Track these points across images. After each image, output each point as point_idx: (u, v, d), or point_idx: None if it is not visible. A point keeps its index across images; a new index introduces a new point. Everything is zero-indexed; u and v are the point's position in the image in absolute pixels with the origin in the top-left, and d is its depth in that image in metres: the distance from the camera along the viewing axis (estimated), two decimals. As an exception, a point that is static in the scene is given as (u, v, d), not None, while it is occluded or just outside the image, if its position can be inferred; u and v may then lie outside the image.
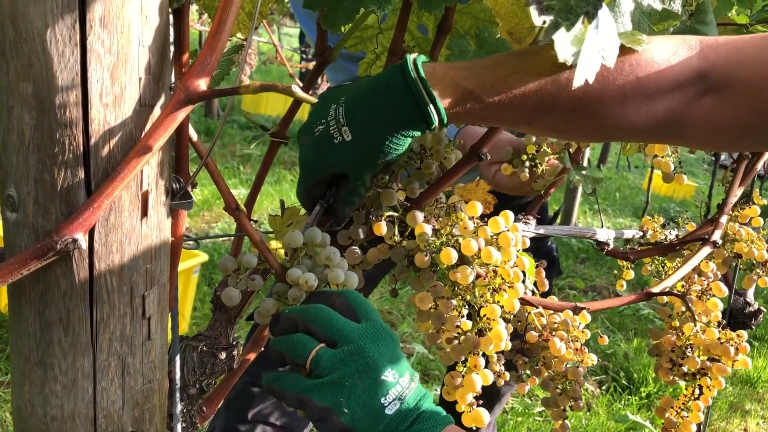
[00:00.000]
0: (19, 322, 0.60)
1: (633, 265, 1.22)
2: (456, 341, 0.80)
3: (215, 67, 0.57)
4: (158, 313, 0.65)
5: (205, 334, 0.80)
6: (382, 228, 0.80)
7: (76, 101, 0.53)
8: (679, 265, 1.11)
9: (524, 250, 0.84)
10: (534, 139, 1.15)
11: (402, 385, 0.65)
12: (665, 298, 1.08)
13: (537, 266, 1.01)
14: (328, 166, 0.74)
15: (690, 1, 0.88)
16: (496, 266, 0.78)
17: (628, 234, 1.27)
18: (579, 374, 0.96)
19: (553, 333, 0.95)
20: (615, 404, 2.88)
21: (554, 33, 0.49)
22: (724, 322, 1.03)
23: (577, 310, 0.96)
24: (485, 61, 0.72)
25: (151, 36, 0.56)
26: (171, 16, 0.60)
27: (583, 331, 0.96)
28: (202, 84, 0.56)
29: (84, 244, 0.55)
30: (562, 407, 0.99)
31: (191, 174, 0.69)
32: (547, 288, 1.03)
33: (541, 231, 1.14)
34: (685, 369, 1.03)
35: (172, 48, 0.62)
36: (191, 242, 0.78)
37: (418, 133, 0.71)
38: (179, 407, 0.75)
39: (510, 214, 0.81)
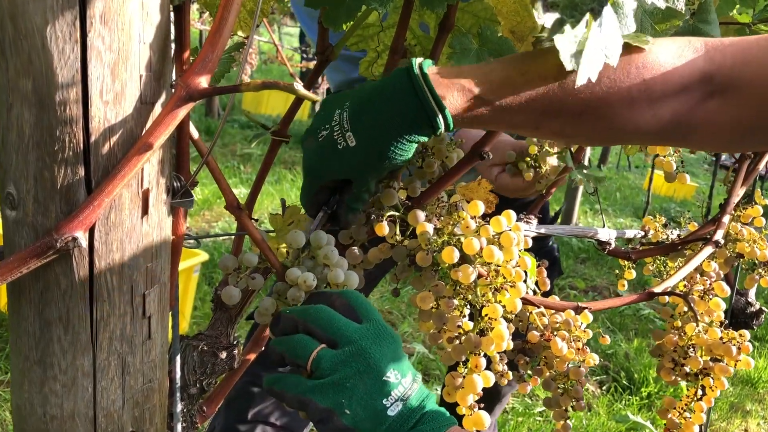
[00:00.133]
0: (18, 320, 0.60)
1: (634, 265, 1.21)
2: (457, 341, 0.79)
3: (216, 64, 0.57)
4: (159, 312, 0.65)
5: (206, 333, 0.80)
6: (383, 227, 0.80)
7: (76, 98, 0.52)
8: (681, 264, 1.10)
9: (526, 250, 0.83)
10: (535, 139, 1.15)
11: (404, 385, 0.64)
12: (667, 298, 1.08)
13: (539, 266, 1.00)
14: (332, 171, 0.74)
15: (692, 0, 0.88)
16: (498, 265, 0.78)
17: (630, 234, 1.26)
18: (581, 374, 0.96)
19: (555, 333, 0.95)
20: (616, 404, 2.88)
21: (560, 30, 0.49)
22: (726, 321, 1.03)
23: (578, 310, 0.95)
24: (492, 65, 0.71)
25: (152, 33, 0.56)
26: (172, 14, 0.60)
27: (585, 331, 0.96)
28: (203, 81, 0.56)
29: (84, 242, 0.54)
30: (563, 407, 0.99)
31: (192, 172, 0.68)
32: (548, 287, 1.02)
33: (543, 230, 1.14)
34: (687, 369, 1.02)
35: (173, 45, 0.62)
36: (192, 241, 0.78)
37: (424, 139, 0.70)
38: (179, 407, 0.75)
39: (512, 213, 0.81)
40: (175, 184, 0.65)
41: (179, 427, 0.75)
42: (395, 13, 0.89)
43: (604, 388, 3.02)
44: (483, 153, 0.83)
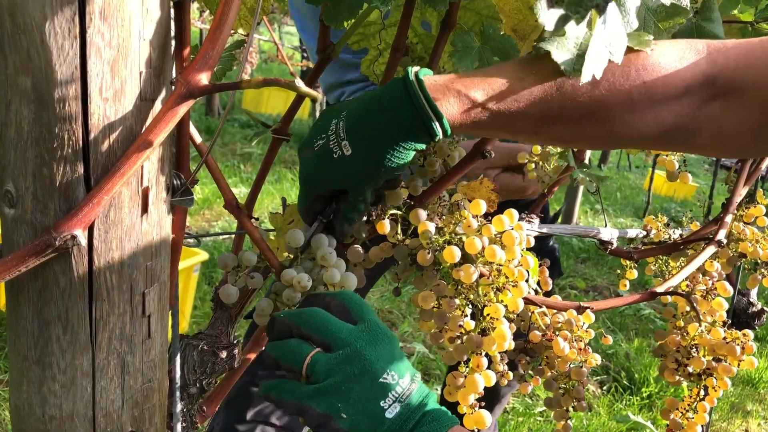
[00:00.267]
0: (17, 319, 0.59)
1: (636, 265, 1.21)
2: (459, 341, 0.79)
3: (217, 61, 0.56)
4: (158, 311, 0.64)
5: (206, 332, 0.79)
6: (385, 226, 0.79)
7: (75, 95, 0.52)
8: (683, 264, 1.10)
9: (527, 250, 0.83)
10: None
11: (402, 386, 0.64)
12: (669, 298, 1.07)
13: (540, 265, 1.00)
14: (328, 180, 0.73)
15: (696, -2, 0.87)
16: (500, 265, 0.78)
17: (632, 233, 1.26)
18: (582, 374, 0.96)
19: (557, 333, 0.95)
20: (616, 404, 2.88)
21: (564, 26, 0.48)
22: (729, 321, 1.02)
23: (580, 310, 0.95)
24: (489, 70, 0.70)
25: (152, 29, 0.55)
26: (172, 10, 0.59)
27: (587, 331, 0.95)
28: (204, 78, 0.55)
29: (83, 240, 0.54)
30: (565, 408, 0.98)
31: (192, 170, 0.68)
32: (550, 287, 1.02)
33: (545, 230, 1.13)
34: (690, 369, 1.02)
35: (173, 42, 0.61)
36: (192, 240, 0.77)
37: (421, 146, 0.70)
38: (179, 406, 0.75)
39: (514, 212, 0.80)
40: (175, 182, 0.64)
41: (179, 426, 0.75)
42: (397, 11, 0.88)
43: (604, 388, 3.02)
44: (485, 152, 0.83)
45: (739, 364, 0.99)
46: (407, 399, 0.63)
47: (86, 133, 0.53)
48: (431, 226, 0.78)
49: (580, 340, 0.94)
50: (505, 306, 0.78)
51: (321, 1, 0.77)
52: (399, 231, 0.80)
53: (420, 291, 0.81)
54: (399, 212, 0.80)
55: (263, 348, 0.86)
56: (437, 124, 0.67)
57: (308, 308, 0.68)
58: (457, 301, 0.78)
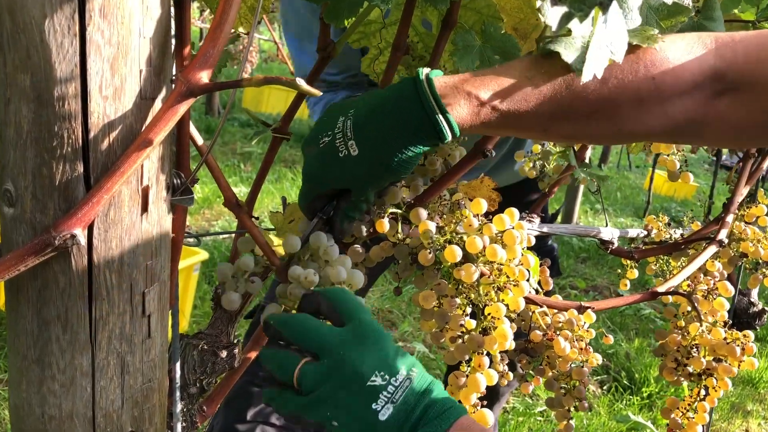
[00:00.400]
0: (16, 319, 0.59)
1: (637, 265, 1.21)
2: (460, 340, 0.79)
3: (217, 60, 0.56)
4: (158, 310, 0.64)
5: (206, 332, 0.79)
6: (385, 225, 0.79)
7: (75, 93, 0.52)
8: (684, 264, 1.10)
9: (527, 249, 0.83)
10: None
11: (395, 384, 0.62)
12: (670, 298, 1.07)
13: (541, 265, 1.00)
14: (332, 180, 0.72)
15: (697, -3, 0.87)
16: (501, 264, 0.77)
17: (633, 233, 1.26)
18: (584, 374, 0.95)
19: (558, 332, 0.94)
20: (616, 404, 2.88)
21: (567, 24, 0.48)
22: (731, 322, 1.02)
23: (581, 310, 0.95)
24: (499, 70, 0.70)
25: (152, 27, 0.55)
26: (172, 8, 0.59)
27: (588, 331, 0.95)
28: (204, 77, 0.55)
29: (83, 239, 0.53)
30: (566, 407, 0.98)
31: (192, 169, 0.68)
32: (551, 287, 1.02)
33: (546, 229, 1.13)
34: (690, 369, 1.01)
35: (173, 40, 0.61)
36: (192, 239, 0.77)
37: (428, 148, 0.69)
38: (179, 406, 0.74)
39: (515, 211, 0.80)
40: (175, 181, 0.64)
41: (179, 426, 0.74)
42: (397, 9, 0.88)
43: (604, 387, 3.02)
44: (485, 151, 0.82)
45: (739, 365, 0.99)
46: (402, 396, 0.61)
47: (86, 132, 0.53)
48: (432, 226, 0.78)
49: (581, 340, 0.94)
50: (506, 305, 0.78)
51: (321, 0, 0.77)
52: (399, 230, 0.80)
53: (421, 290, 0.80)
54: (399, 211, 0.80)
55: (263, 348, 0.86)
56: (447, 127, 0.67)
57: (295, 315, 0.67)
58: (458, 300, 0.78)
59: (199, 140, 0.72)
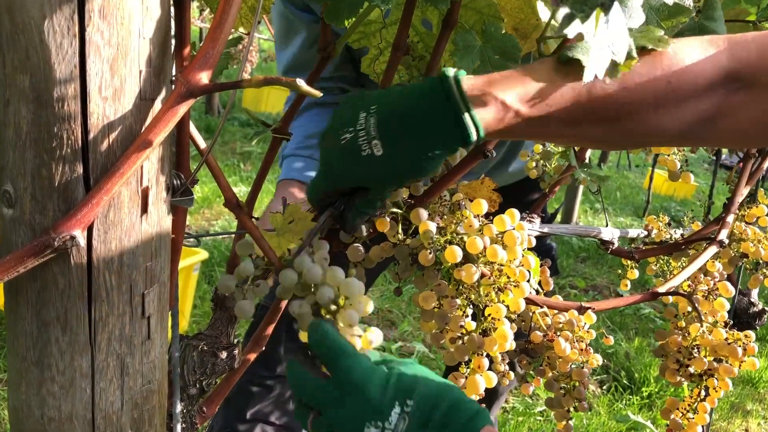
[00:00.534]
0: (15, 320, 0.59)
1: (637, 265, 1.21)
2: (460, 341, 0.78)
3: (217, 60, 0.56)
4: (158, 312, 0.64)
5: (206, 333, 0.79)
6: (385, 225, 0.79)
7: (74, 94, 0.51)
8: (684, 264, 1.10)
9: (527, 250, 0.82)
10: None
11: (390, 428, 0.61)
12: (670, 298, 1.07)
13: (542, 265, 1.00)
14: (353, 178, 0.71)
15: (698, -4, 0.87)
16: (501, 265, 0.77)
17: (633, 233, 1.26)
18: (584, 375, 0.95)
19: (558, 333, 0.94)
20: (616, 404, 2.88)
21: (568, 26, 0.48)
22: (731, 322, 1.02)
23: (582, 310, 0.95)
24: (520, 73, 0.69)
25: (152, 28, 0.55)
26: (172, 8, 0.59)
27: (588, 332, 0.95)
28: (204, 77, 0.55)
29: (82, 241, 0.53)
30: (566, 408, 0.98)
31: (192, 170, 0.67)
32: (551, 287, 1.01)
33: (546, 230, 1.13)
34: (691, 370, 1.01)
35: (173, 41, 0.61)
36: (192, 240, 0.77)
37: (453, 152, 0.68)
38: (179, 407, 0.74)
39: (516, 212, 0.80)
40: (174, 182, 0.64)
41: (179, 427, 0.74)
42: (397, 9, 0.88)
43: (604, 387, 3.02)
44: (486, 152, 0.82)
45: (740, 365, 0.98)
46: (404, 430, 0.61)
47: (85, 133, 0.53)
48: (432, 226, 0.78)
49: (582, 341, 0.94)
50: (507, 306, 0.78)
51: (322, 0, 0.77)
52: (400, 230, 0.80)
53: (421, 291, 0.80)
54: (399, 211, 0.80)
55: (263, 348, 0.86)
56: (473, 129, 0.65)
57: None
58: (459, 301, 0.78)
59: (200, 141, 0.71)
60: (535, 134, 0.71)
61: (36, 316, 0.57)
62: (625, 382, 3.04)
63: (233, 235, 0.89)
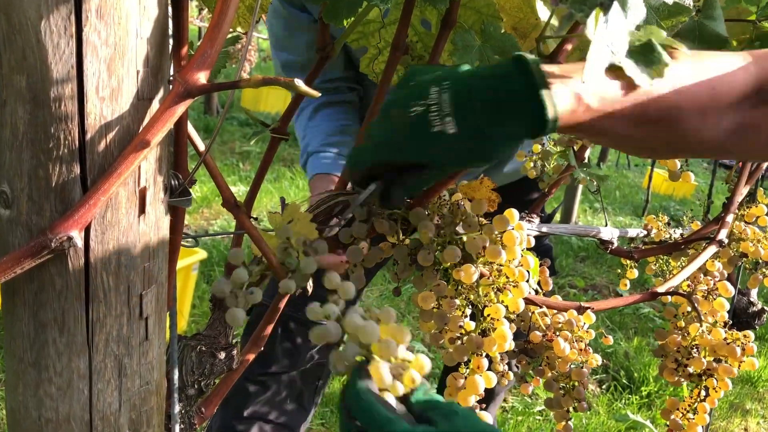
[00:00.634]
0: (12, 321, 0.58)
1: (636, 265, 1.21)
2: (459, 341, 0.78)
3: (215, 60, 0.56)
4: (156, 312, 0.63)
5: (204, 333, 0.79)
6: (384, 225, 0.78)
7: (71, 95, 0.51)
8: (684, 264, 1.09)
9: (527, 250, 0.82)
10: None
11: None
12: (670, 298, 1.07)
13: (541, 265, 1.00)
14: (416, 153, 0.67)
15: (698, -5, 0.87)
16: (500, 265, 0.77)
17: (633, 233, 1.26)
18: (583, 375, 0.95)
19: (557, 333, 0.94)
20: (615, 403, 2.88)
21: (569, 25, 0.48)
22: (731, 322, 1.02)
23: (581, 310, 0.94)
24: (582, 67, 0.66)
25: (149, 28, 0.54)
26: (170, 8, 0.59)
27: (587, 331, 0.95)
28: (202, 77, 0.54)
29: (79, 241, 0.53)
30: (565, 408, 0.98)
31: (190, 170, 0.67)
32: (550, 287, 1.01)
33: (545, 229, 1.13)
34: (690, 370, 1.01)
35: (170, 41, 0.60)
36: (190, 240, 0.76)
37: (527, 136, 0.65)
38: (177, 408, 0.74)
39: (515, 212, 0.80)
40: (172, 182, 0.64)
41: (177, 428, 0.74)
42: (396, 9, 0.87)
43: (603, 387, 3.02)
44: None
45: (739, 365, 0.98)
46: None
47: (82, 133, 0.53)
48: (431, 226, 0.77)
49: (581, 341, 0.94)
50: (506, 306, 0.78)
51: (320, 0, 0.77)
52: (399, 230, 0.80)
53: (420, 291, 0.80)
54: (399, 211, 0.80)
55: (261, 348, 0.86)
56: (552, 113, 0.62)
57: (358, 393, 0.57)
58: (458, 301, 0.78)
59: (198, 141, 0.71)
60: (592, 132, 0.69)
61: (33, 317, 0.57)
62: (624, 381, 3.04)
63: (232, 236, 0.89)
